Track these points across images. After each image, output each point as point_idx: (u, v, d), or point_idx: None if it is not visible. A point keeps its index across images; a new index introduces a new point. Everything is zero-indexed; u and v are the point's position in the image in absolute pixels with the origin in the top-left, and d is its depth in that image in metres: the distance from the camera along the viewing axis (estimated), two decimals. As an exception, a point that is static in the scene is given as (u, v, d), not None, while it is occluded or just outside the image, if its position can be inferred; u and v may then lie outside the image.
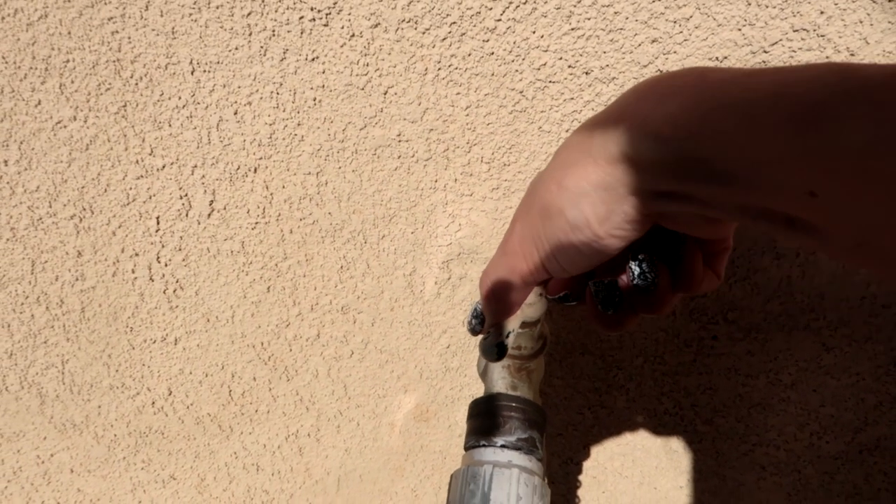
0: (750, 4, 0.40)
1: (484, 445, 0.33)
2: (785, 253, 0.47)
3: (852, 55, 0.41)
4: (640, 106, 0.25)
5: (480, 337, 0.35)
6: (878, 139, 0.18)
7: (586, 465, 0.58)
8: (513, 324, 0.33)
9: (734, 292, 0.49)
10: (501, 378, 0.34)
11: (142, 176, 0.47)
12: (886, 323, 0.48)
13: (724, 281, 0.48)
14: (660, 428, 0.55)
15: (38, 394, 0.55)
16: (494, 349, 0.33)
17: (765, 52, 0.42)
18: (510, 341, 0.33)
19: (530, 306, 0.33)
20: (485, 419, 0.34)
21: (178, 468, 0.59)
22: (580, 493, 0.59)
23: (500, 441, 0.33)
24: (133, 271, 0.51)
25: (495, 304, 0.33)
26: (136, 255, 0.50)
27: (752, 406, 0.53)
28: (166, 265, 0.50)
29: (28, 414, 0.56)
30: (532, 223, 0.29)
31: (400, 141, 0.46)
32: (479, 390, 0.56)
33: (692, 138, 0.23)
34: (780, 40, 0.41)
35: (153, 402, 0.56)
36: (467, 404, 0.56)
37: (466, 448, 0.34)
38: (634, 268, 0.30)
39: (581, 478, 0.59)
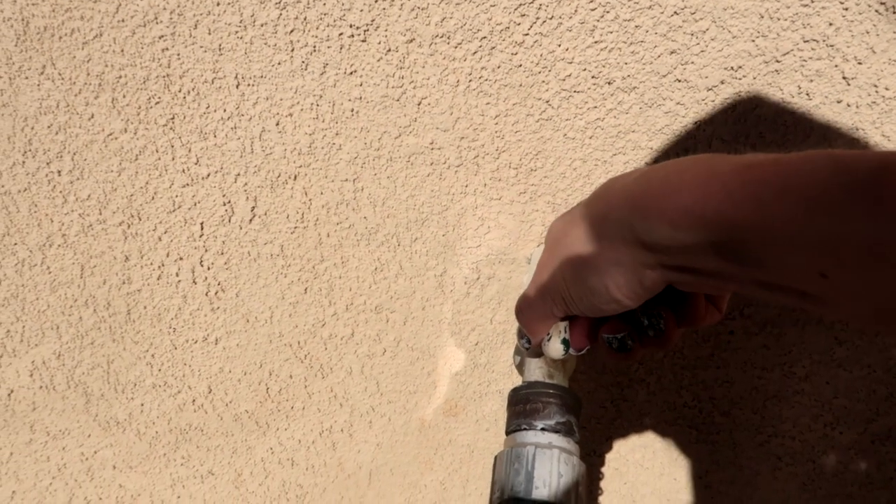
0: (763, 17, 0.43)
1: (525, 429, 0.35)
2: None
3: (860, 63, 0.44)
4: (653, 197, 0.28)
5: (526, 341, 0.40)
6: (878, 229, 0.20)
7: (609, 456, 0.61)
8: (563, 322, 0.37)
9: (750, 289, 0.52)
10: (538, 368, 0.37)
11: (187, 184, 0.50)
12: None
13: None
14: (679, 420, 0.58)
15: (83, 393, 0.57)
16: (561, 346, 0.37)
17: (777, 61, 0.44)
18: (567, 335, 0.37)
19: None
20: (525, 405, 0.36)
21: (217, 464, 0.61)
22: (602, 484, 0.61)
23: (540, 424, 0.35)
24: (177, 274, 0.53)
25: (534, 330, 0.38)
26: (181, 259, 0.53)
27: (767, 398, 0.56)
28: (209, 268, 0.53)
29: (74, 412, 0.58)
30: (556, 280, 0.35)
31: (433, 149, 0.49)
32: (505, 385, 0.58)
33: (707, 226, 0.26)
34: (792, 50, 0.44)
35: (194, 400, 0.58)
36: (494, 399, 0.58)
37: (508, 432, 0.37)
38: (645, 321, 0.35)
39: (604, 469, 0.61)
